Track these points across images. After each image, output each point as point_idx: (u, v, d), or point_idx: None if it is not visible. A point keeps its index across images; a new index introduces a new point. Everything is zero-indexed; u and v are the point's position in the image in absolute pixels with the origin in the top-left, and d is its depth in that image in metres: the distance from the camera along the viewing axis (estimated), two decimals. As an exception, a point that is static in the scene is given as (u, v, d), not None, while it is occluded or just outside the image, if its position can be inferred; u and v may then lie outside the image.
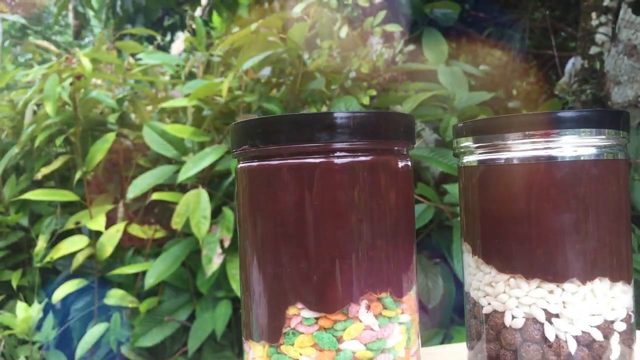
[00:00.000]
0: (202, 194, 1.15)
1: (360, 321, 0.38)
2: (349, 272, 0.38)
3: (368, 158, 0.39)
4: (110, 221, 1.30)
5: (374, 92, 1.25)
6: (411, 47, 1.31)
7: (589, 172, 0.43)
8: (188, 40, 1.53)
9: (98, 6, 2.15)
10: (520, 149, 0.44)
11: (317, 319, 0.38)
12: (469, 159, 0.47)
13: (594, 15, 1.55)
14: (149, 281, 1.17)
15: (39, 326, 1.26)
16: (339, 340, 0.38)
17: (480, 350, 0.46)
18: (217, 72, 1.43)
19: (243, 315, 0.42)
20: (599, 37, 1.46)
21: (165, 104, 1.25)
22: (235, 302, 1.21)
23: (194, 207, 1.13)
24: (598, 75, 1.42)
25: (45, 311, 1.30)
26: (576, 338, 0.42)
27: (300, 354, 0.38)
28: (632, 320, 0.45)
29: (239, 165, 0.41)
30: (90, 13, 2.32)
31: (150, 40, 2.05)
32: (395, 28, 1.25)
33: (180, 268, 1.22)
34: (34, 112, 1.34)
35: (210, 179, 1.28)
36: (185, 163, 1.16)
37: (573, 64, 1.65)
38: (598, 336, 0.42)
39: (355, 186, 0.38)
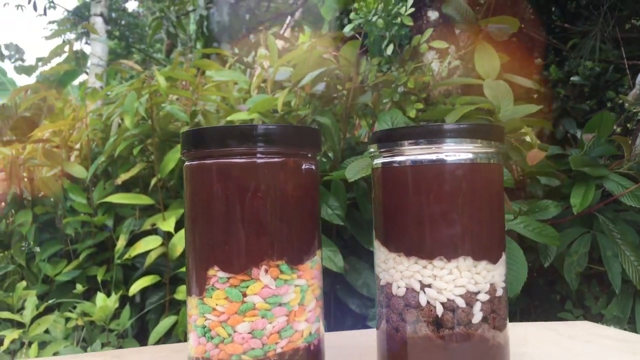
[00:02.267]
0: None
1: (261, 281, 0.53)
2: (251, 244, 0.54)
3: (279, 159, 0.55)
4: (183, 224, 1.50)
5: (420, 106, 1.38)
6: (457, 62, 1.43)
7: (458, 172, 0.56)
8: (261, 57, 1.71)
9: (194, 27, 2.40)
10: (412, 153, 0.58)
11: (228, 278, 0.54)
12: (376, 162, 0.61)
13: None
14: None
15: (117, 316, 1.47)
16: (244, 294, 0.53)
17: (381, 315, 0.60)
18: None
19: (186, 278, 0.58)
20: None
21: (229, 117, 1.44)
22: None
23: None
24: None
25: (124, 303, 1.51)
26: (443, 304, 0.56)
27: (216, 304, 0.54)
28: (499, 293, 0.57)
29: (184, 164, 0.58)
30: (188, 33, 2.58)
31: (239, 58, 2.27)
32: (441, 45, 1.38)
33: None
34: (119, 125, 1.57)
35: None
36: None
37: (644, 75, 1.71)
38: (461, 303, 0.55)
39: (263, 180, 0.54)
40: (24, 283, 1.45)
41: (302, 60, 1.41)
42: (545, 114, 2.16)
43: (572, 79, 2.33)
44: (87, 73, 2.36)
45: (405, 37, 1.40)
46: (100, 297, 1.39)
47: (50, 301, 1.45)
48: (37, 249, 1.58)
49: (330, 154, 1.43)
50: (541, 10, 2.22)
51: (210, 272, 0.54)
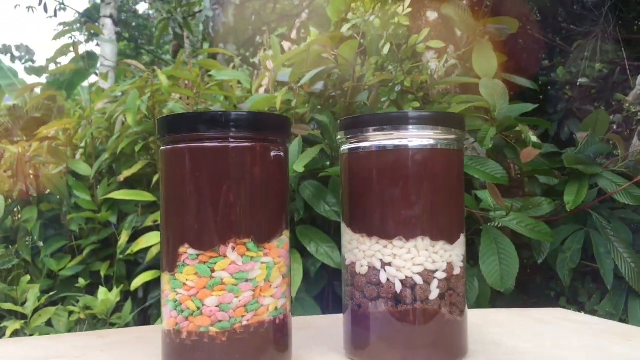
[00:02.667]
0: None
1: (228, 258, 0.57)
2: (220, 223, 0.58)
3: (247, 144, 0.59)
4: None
5: (417, 104, 1.42)
6: (453, 61, 1.47)
7: (419, 157, 0.60)
8: (265, 57, 1.76)
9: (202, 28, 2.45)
10: (376, 139, 0.61)
11: (198, 255, 0.58)
12: (344, 148, 0.65)
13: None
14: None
15: (120, 310, 1.52)
16: (212, 270, 0.57)
17: (346, 294, 0.64)
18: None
19: (161, 256, 0.62)
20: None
21: (229, 116, 1.48)
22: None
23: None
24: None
25: (126, 297, 1.56)
26: (402, 281, 0.59)
27: (187, 279, 0.58)
28: (457, 272, 0.61)
29: (160, 148, 0.62)
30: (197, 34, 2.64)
31: (244, 58, 2.32)
32: (437, 44, 1.42)
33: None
34: (123, 123, 1.62)
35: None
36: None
37: (645, 75, 1.73)
38: (419, 281, 0.59)
39: (231, 163, 0.58)
40: (28, 277, 1.49)
41: (301, 60, 1.45)
42: (550, 114, 2.19)
43: (579, 80, 2.36)
44: (96, 74, 2.42)
45: (403, 36, 1.43)
46: (102, 291, 1.43)
47: (51, 293, 1.49)
48: (41, 244, 1.63)
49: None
50: (548, 12, 2.24)
51: (181, 249, 0.58)
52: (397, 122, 0.60)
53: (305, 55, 1.44)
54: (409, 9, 1.41)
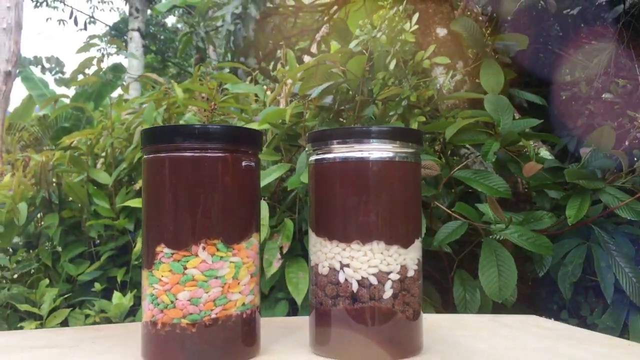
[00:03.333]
0: (262, 205, 1.44)
1: (199, 257, 0.65)
2: (192, 226, 0.65)
3: (220, 154, 0.67)
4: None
5: (422, 119, 1.48)
6: (458, 77, 1.53)
7: (377, 168, 0.67)
8: (280, 71, 1.84)
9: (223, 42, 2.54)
10: (339, 151, 0.69)
11: (172, 254, 0.65)
12: (311, 159, 0.72)
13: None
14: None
15: (134, 313, 1.61)
16: (185, 267, 0.65)
17: (311, 293, 0.72)
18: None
19: (142, 254, 0.70)
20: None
21: (242, 128, 1.56)
22: (292, 304, 1.47)
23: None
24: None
25: (140, 302, 1.64)
26: (358, 282, 0.66)
27: (162, 276, 0.66)
28: (410, 273, 0.68)
29: (142, 157, 0.70)
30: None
31: (265, 71, 2.40)
32: (444, 61, 1.48)
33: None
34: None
35: (278, 194, 1.57)
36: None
37: (659, 91, 1.77)
38: (374, 281, 0.66)
39: (205, 172, 0.66)
40: (47, 281, 1.59)
41: (310, 74, 1.53)
42: (569, 130, 2.23)
43: (603, 95, 2.39)
44: (123, 86, 2.53)
45: (410, 52, 1.50)
46: (116, 295, 1.52)
47: (65, 295, 1.59)
48: (59, 249, 1.72)
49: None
50: (569, 28, 2.29)
51: (158, 248, 0.66)
52: (358, 135, 0.67)
53: (315, 69, 1.52)
54: (416, 26, 1.48)
